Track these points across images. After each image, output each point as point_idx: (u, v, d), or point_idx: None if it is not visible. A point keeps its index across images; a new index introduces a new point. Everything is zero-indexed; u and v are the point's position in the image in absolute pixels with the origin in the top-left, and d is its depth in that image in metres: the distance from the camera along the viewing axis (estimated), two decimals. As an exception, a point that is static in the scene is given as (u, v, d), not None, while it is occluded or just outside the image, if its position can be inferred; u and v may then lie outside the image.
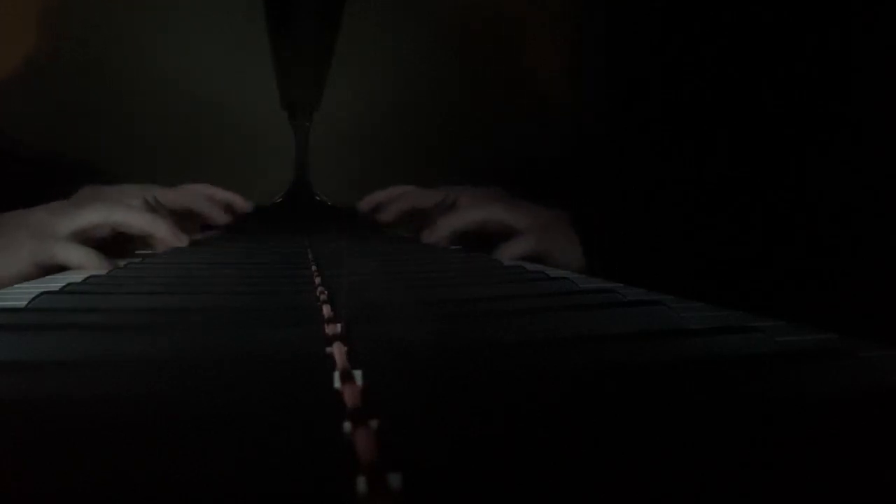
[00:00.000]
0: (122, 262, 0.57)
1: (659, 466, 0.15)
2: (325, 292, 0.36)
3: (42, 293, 0.35)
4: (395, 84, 1.05)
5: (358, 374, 0.21)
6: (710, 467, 0.15)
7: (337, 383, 0.20)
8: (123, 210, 0.64)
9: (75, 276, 0.46)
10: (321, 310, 0.31)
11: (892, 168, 0.60)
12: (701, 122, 0.82)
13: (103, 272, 0.56)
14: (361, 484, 0.14)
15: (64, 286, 0.38)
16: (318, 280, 0.42)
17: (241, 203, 0.84)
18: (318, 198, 1.06)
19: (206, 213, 0.79)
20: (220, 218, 0.81)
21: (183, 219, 0.73)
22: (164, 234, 0.66)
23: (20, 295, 0.37)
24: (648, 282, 0.41)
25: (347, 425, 0.17)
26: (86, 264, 0.58)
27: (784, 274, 0.66)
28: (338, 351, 0.24)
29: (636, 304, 0.33)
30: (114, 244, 0.65)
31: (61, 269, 0.58)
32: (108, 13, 0.97)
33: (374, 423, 0.17)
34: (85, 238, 0.61)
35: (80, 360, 0.24)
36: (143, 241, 0.68)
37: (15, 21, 0.95)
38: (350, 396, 0.19)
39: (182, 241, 0.67)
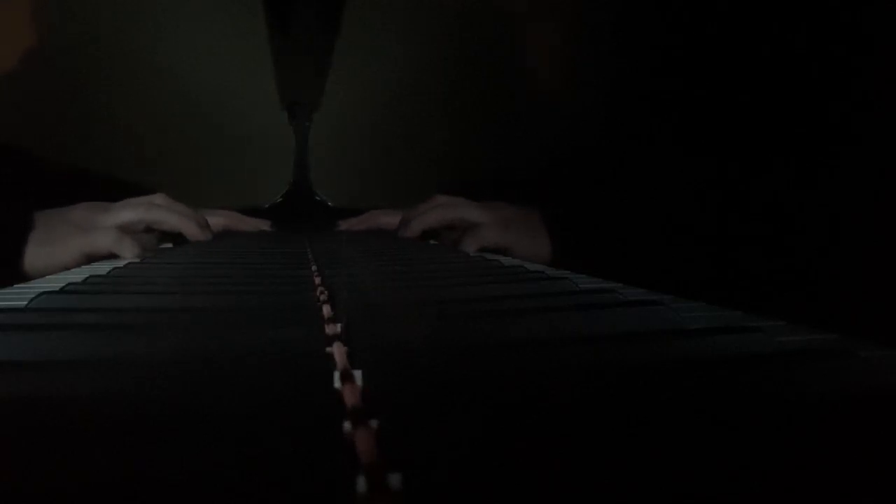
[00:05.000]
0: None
1: (659, 466, 0.15)
2: (325, 292, 0.36)
3: (42, 293, 0.35)
4: (394, 83, 1.05)
5: (358, 374, 0.21)
6: (710, 467, 0.15)
7: (337, 383, 0.20)
8: (157, 210, 0.70)
9: (76, 276, 0.46)
10: (321, 310, 0.31)
11: (892, 169, 0.60)
12: (702, 122, 0.82)
13: (136, 260, 0.60)
14: (361, 484, 0.14)
15: (64, 286, 0.38)
16: (317, 280, 0.42)
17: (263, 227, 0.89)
18: (317, 198, 1.06)
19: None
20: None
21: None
22: (194, 231, 0.73)
23: (20, 295, 0.37)
24: (648, 281, 0.41)
25: (347, 425, 0.17)
26: (125, 251, 0.63)
27: (784, 274, 0.66)
28: (338, 351, 0.24)
29: (636, 304, 0.33)
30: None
31: (102, 257, 0.63)
32: (105, 12, 0.97)
33: (374, 423, 0.17)
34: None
35: (80, 360, 0.24)
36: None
37: (7, 19, 0.94)
38: (350, 396, 0.19)
39: (207, 236, 0.75)
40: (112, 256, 0.63)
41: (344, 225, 0.94)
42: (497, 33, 1.05)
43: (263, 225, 0.92)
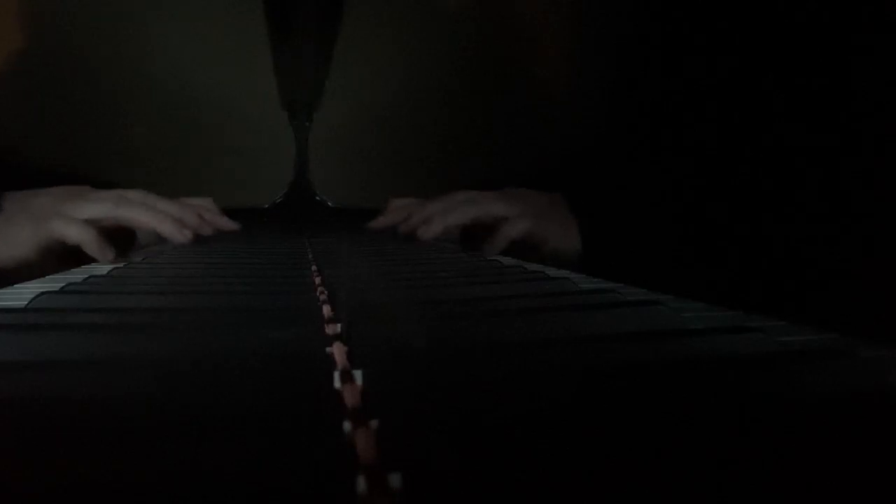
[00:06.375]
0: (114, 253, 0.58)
1: (659, 467, 0.15)
2: (325, 292, 0.36)
3: (42, 293, 0.35)
4: (395, 83, 1.05)
5: (358, 374, 0.21)
6: (710, 467, 0.15)
7: (337, 383, 0.20)
8: (128, 205, 0.65)
9: (76, 276, 0.46)
10: (321, 310, 0.31)
11: (892, 170, 0.60)
12: (703, 122, 0.82)
13: (103, 255, 0.57)
14: (361, 484, 0.14)
15: (64, 286, 0.38)
16: (317, 280, 0.42)
17: (228, 223, 0.80)
18: (317, 198, 1.06)
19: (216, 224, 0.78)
20: (228, 225, 0.79)
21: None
22: (168, 230, 0.66)
23: (20, 295, 0.37)
24: (648, 281, 0.41)
25: (347, 425, 0.17)
26: (84, 241, 0.58)
27: (784, 274, 0.66)
28: (338, 351, 0.24)
29: (636, 304, 0.33)
30: (116, 233, 0.65)
31: (65, 250, 0.59)
32: (105, 12, 0.97)
33: (374, 423, 0.17)
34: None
35: (79, 360, 0.24)
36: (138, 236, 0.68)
37: (2, 21, 0.94)
38: (350, 396, 0.19)
39: (185, 236, 0.67)
40: (78, 254, 0.59)
41: (373, 224, 0.88)
42: (497, 33, 1.05)
43: (230, 225, 0.84)
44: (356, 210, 0.97)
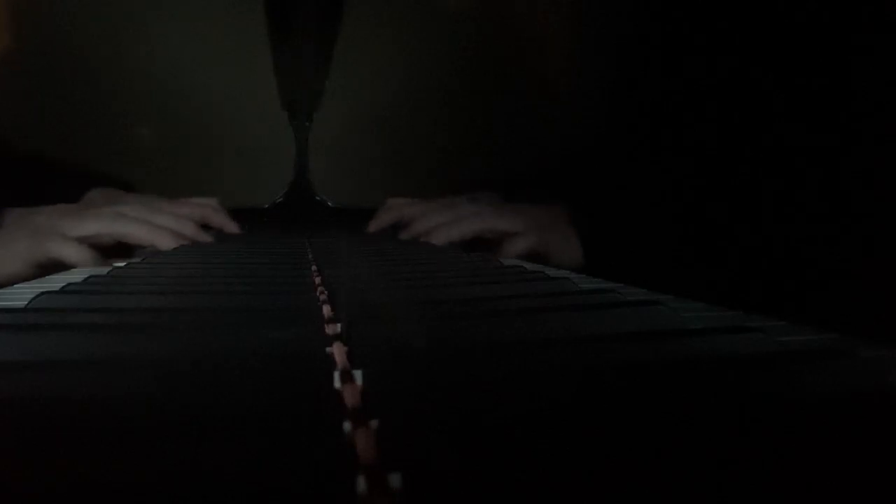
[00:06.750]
0: (120, 263, 0.57)
1: (659, 467, 0.15)
2: (325, 292, 0.36)
3: (42, 293, 0.35)
4: (396, 83, 1.05)
5: (358, 374, 0.21)
6: (710, 467, 0.15)
7: (337, 383, 0.20)
8: (125, 221, 0.65)
9: (75, 276, 0.46)
10: (321, 310, 0.31)
11: (892, 170, 0.60)
12: (703, 122, 0.82)
13: (102, 272, 0.57)
14: (361, 484, 0.14)
15: (64, 286, 0.38)
16: (318, 280, 0.42)
17: (231, 226, 0.80)
18: (317, 198, 1.06)
19: (217, 223, 0.78)
20: (230, 226, 0.79)
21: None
22: (166, 244, 0.66)
23: (20, 295, 0.37)
24: (648, 281, 0.41)
25: (347, 425, 0.17)
26: (81, 262, 0.58)
27: (784, 274, 0.66)
28: (338, 351, 0.24)
29: (636, 304, 0.33)
30: (115, 249, 0.65)
31: (60, 267, 0.59)
32: (104, 10, 0.97)
33: (374, 423, 0.17)
34: (86, 244, 0.62)
35: (79, 360, 0.24)
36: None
37: (1, 20, 0.94)
38: (350, 396, 0.19)
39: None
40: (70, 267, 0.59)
41: (372, 227, 0.88)
42: (497, 33, 1.05)
43: (233, 227, 0.81)
44: (356, 210, 0.96)
